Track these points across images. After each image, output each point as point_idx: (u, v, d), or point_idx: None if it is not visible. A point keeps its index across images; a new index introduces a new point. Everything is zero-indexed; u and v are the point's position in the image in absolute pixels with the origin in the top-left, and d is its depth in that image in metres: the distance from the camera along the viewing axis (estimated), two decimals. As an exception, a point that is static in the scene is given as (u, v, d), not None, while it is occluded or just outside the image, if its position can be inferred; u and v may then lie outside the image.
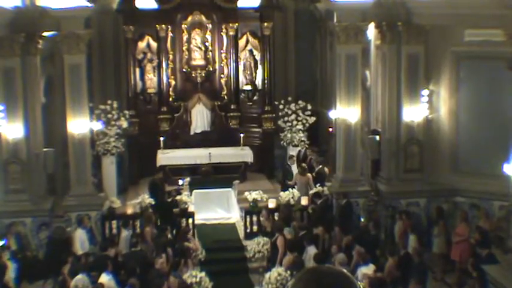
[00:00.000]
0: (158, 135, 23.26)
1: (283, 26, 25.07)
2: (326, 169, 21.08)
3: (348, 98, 19.10)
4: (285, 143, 23.30)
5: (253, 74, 24.56)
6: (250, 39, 24.45)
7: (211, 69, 24.25)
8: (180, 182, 20.58)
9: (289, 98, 23.36)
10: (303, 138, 22.79)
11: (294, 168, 21.18)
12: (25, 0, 17.68)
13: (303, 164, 21.11)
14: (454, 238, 16.84)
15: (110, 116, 21.86)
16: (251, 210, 19.38)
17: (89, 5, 18.52)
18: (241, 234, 19.46)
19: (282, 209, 18.86)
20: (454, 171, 19.09)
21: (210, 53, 24.28)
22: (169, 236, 17.21)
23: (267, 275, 14.98)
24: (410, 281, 14.07)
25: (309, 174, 20.37)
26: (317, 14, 24.14)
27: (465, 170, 18.92)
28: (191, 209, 19.43)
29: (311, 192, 19.62)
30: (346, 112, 19.16)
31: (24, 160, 18.06)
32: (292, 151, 22.94)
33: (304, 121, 22.99)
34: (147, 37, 23.97)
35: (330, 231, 17.43)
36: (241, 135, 23.31)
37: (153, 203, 19.05)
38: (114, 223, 18.97)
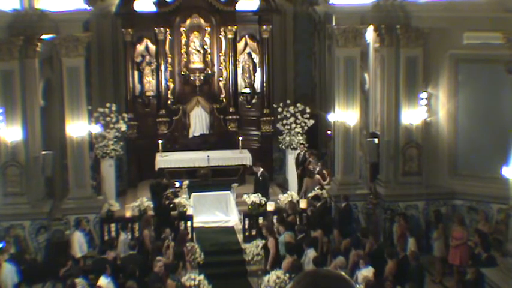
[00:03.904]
0: (157, 138, 23.26)
1: (282, 29, 25.08)
2: (325, 172, 21.10)
3: (347, 101, 19.11)
4: (283, 146, 23.29)
5: (252, 77, 24.56)
6: (249, 42, 24.45)
7: (209, 72, 24.25)
8: (177, 184, 20.57)
9: (288, 101, 23.35)
10: (301, 141, 22.78)
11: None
12: (24, 3, 17.68)
13: (310, 167, 21.09)
14: (452, 242, 16.83)
15: (108, 119, 21.84)
16: (250, 213, 19.39)
17: (88, 8, 18.52)
18: (240, 237, 19.46)
19: (290, 206, 18.86)
20: (453, 174, 19.11)
21: (209, 56, 24.28)
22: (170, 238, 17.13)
23: (266, 278, 14.99)
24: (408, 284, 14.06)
25: (317, 176, 20.36)
26: (316, 17, 24.16)
27: (464, 173, 18.93)
28: (190, 212, 19.43)
29: (310, 195, 19.63)
30: (344, 115, 19.16)
31: (23, 163, 18.05)
32: (291, 154, 22.94)
33: (303, 124, 22.97)
34: (145, 40, 23.98)
35: (329, 234, 17.45)
36: (240, 138, 23.30)
37: (152, 205, 19.10)
38: (112, 226, 18.96)
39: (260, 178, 20.50)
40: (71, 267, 15.57)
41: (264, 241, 17.02)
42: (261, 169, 20.65)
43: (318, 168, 20.86)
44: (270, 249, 16.23)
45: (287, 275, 14.67)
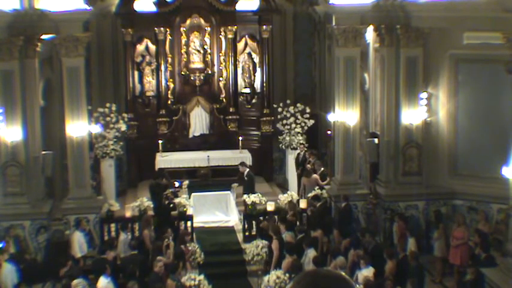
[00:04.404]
0: (157, 138, 23.26)
1: (282, 29, 25.09)
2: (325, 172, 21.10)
3: (347, 101, 19.11)
4: (283, 146, 23.30)
5: (252, 77, 24.55)
6: (249, 42, 24.45)
7: (209, 72, 24.24)
8: (176, 184, 20.56)
9: (288, 101, 23.36)
10: (301, 141, 22.78)
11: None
12: (24, 3, 17.68)
13: (308, 166, 21.10)
14: (453, 242, 16.84)
15: (108, 119, 21.84)
16: (249, 213, 19.38)
17: (88, 8, 18.52)
18: (240, 237, 19.46)
19: (289, 206, 18.85)
20: (453, 174, 19.10)
21: (209, 56, 24.28)
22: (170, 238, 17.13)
23: (266, 278, 14.98)
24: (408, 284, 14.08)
25: (314, 175, 20.36)
26: (316, 17, 24.16)
27: (464, 173, 18.93)
28: (190, 212, 19.43)
29: (310, 195, 19.62)
30: (344, 115, 19.16)
31: (23, 163, 18.05)
32: (291, 154, 22.95)
33: (303, 124, 22.97)
34: (145, 40, 23.98)
35: (329, 234, 17.44)
36: (240, 138, 23.30)
37: (152, 205, 19.10)
38: (112, 226, 18.96)
39: (246, 178, 20.58)
40: (71, 267, 15.55)
41: (264, 241, 16.99)
42: (247, 169, 20.78)
43: (322, 168, 20.84)
44: (273, 251, 16.18)
45: (287, 275, 14.66)
